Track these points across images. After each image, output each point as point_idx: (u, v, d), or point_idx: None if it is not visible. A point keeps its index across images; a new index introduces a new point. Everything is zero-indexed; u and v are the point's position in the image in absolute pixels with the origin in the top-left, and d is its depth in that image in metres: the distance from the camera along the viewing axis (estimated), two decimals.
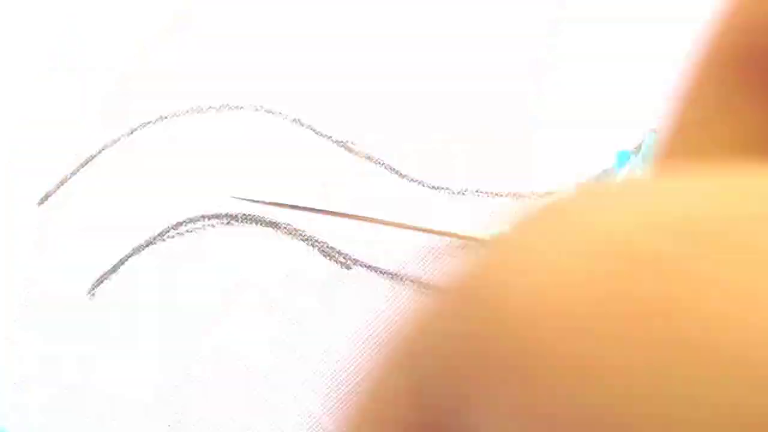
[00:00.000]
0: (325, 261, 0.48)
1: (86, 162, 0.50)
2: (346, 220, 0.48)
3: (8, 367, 0.48)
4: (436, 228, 0.47)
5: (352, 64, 0.50)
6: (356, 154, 0.49)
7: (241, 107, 0.50)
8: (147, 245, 0.49)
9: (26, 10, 0.52)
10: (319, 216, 0.48)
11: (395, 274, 0.48)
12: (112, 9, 0.52)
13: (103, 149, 0.50)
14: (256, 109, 0.50)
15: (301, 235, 0.49)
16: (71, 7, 0.52)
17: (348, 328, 0.48)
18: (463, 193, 0.48)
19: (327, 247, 0.48)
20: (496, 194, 0.48)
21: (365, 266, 0.48)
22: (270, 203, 0.47)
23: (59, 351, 0.48)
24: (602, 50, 0.50)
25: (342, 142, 0.49)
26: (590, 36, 0.50)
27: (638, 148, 0.48)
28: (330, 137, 0.49)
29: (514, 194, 0.48)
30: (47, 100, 0.51)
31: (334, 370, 0.47)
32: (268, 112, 0.50)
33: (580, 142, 0.48)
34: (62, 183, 0.49)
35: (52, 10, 0.52)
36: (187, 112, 0.50)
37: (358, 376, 0.47)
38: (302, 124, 0.50)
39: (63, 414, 0.48)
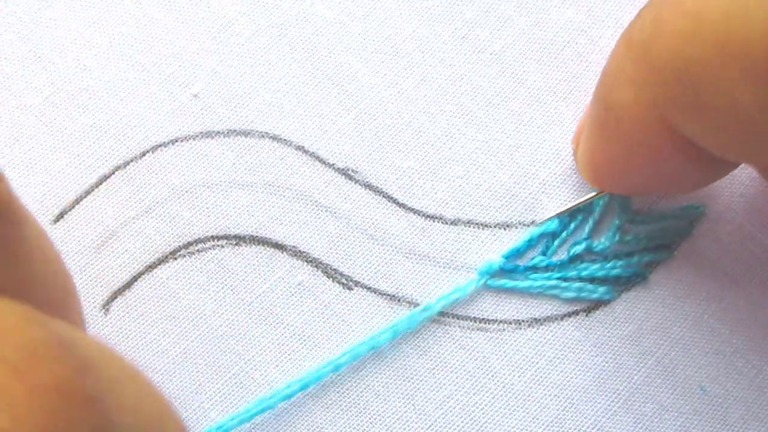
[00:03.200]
0: (328, 281, 0.52)
1: (100, 182, 0.52)
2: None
3: None
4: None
5: (356, 94, 0.54)
6: (356, 181, 0.53)
7: (248, 133, 0.53)
8: (159, 263, 0.51)
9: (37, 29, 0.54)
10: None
11: (394, 295, 0.52)
12: (123, 31, 0.54)
13: (116, 170, 0.52)
14: (262, 136, 0.53)
15: (305, 256, 0.52)
16: (83, 31, 0.54)
17: (350, 344, 0.51)
18: (455, 223, 0.53)
19: (330, 268, 0.52)
20: (485, 225, 0.53)
21: (366, 287, 0.52)
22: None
23: None
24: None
25: (343, 169, 0.53)
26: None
27: None
28: (332, 165, 0.53)
29: (504, 224, 0.53)
30: (62, 120, 0.52)
31: (337, 381, 0.51)
32: (274, 138, 0.53)
33: (570, 172, 0.53)
34: (77, 202, 0.51)
35: (62, 31, 0.53)
36: (197, 136, 0.53)
37: (359, 387, 0.51)
38: (306, 152, 0.53)
39: None
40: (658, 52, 0.36)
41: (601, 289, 0.52)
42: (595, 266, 0.52)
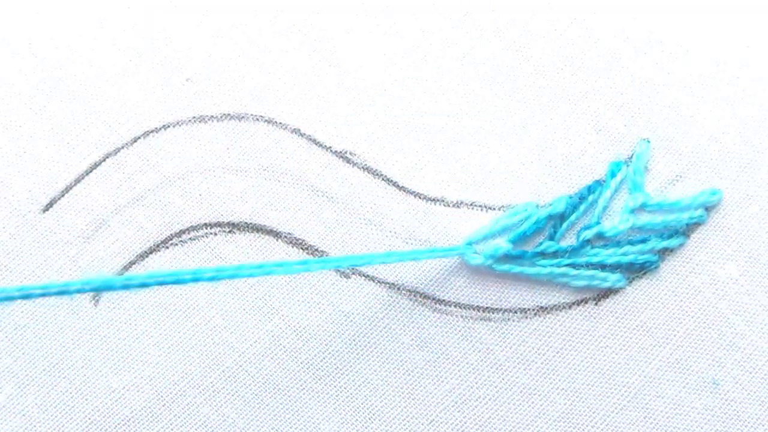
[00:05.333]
0: (325, 270, 0.50)
1: (90, 169, 0.51)
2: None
3: (12, 369, 0.49)
4: None
5: (355, 75, 0.51)
6: (355, 165, 0.51)
7: (242, 117, 0.51)
8: (151, 252, 0.50)
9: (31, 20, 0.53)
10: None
11: (393, 284, 0.49)
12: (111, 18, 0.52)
13: (106, 157, 0.51)
14: (257, 119, 0.51)
15: (301, 244, 0.50)
16: (77, 21, 0.53)
17: (347, 334, 0.49)
18: (458, 206, 0.50)
19: (327, 256, 0.50)
20: (490, 207, 0.50)
21: (364, 275, 0.50)
22: None
23: (64, 355, 0.49)
24: None
25: (341, 152, 0.51)
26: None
27: (630, 158, 0.50)
28: (329, 148, 0.51)
29: (509, 207, 0.50)
30: (51, 106, 0.51)
31: (334, 375, 0.49)
32: (269, 122, 0.51)
33: (579, 153, 0.50)
34: (67, 190, 0.50)
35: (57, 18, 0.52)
36: (190, 121, 0.51)
37: (357, 381, 0.49)
38: (302, 135, 0.51)
39: (65, 416, 0.49)
40: None
41: (613, 277, 0.49)
42: (607, 252, 0.49)
